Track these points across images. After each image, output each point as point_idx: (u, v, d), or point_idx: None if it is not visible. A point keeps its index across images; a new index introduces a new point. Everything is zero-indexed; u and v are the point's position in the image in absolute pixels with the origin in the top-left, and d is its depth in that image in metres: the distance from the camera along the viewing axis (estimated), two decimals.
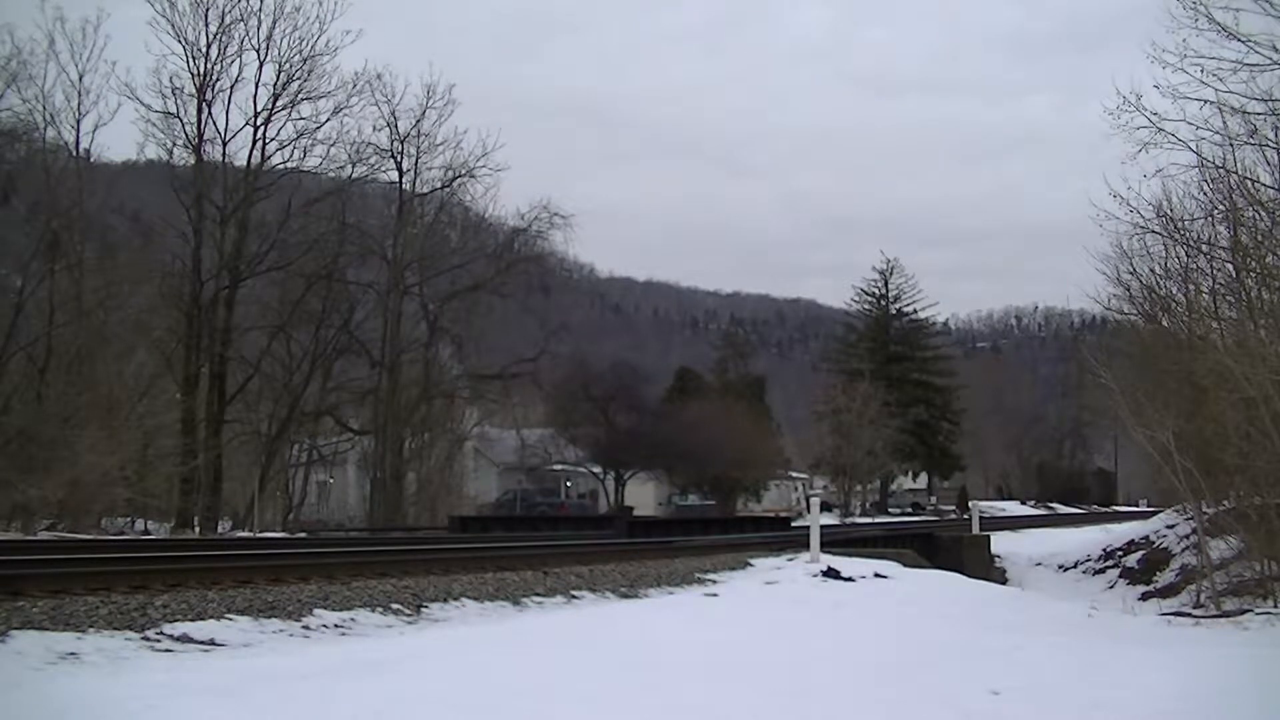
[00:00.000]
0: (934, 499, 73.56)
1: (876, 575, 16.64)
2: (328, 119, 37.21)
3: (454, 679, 7.25)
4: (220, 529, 33.23)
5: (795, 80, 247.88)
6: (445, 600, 11.18)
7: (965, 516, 46.93)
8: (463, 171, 42.08)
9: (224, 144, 36.17)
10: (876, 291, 75.59)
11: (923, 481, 77.22)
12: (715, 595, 14.08)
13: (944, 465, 75.11)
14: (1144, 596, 21.55)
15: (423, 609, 10.68)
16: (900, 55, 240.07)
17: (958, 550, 26.73)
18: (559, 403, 53.29)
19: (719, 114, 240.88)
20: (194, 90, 35.12)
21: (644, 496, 56.61)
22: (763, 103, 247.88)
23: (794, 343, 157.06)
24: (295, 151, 37.30)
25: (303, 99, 36.57)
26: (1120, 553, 27.30)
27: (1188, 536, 22.60)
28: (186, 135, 35.41)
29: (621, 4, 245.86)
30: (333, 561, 12.68)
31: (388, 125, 40.72)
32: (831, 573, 16.32)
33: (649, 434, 52.24)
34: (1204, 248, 19.81)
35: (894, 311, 75.16)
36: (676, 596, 13.89)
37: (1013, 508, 67.48)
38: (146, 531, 28.92)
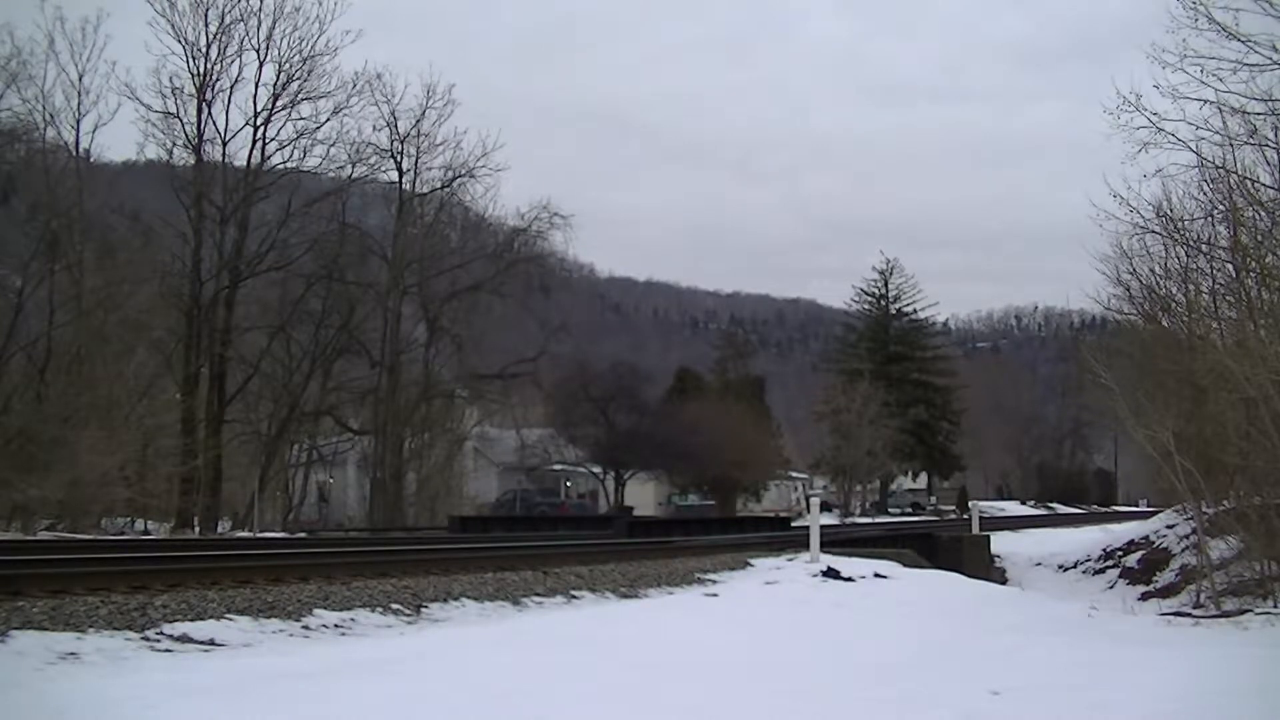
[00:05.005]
0: (934, 499, 73.55)
1: (876, 575, 16.66)
2: (328, 119, 37.35)
3: (454, 679, 7.25)
4: (220, 529, 33.24)
5: (804, 89, 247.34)
6: (445, 600, 11.17)
7: (965, 516, 46.92)
8: (462, 172, 42.20)
9: (224, 144, 36.31)
10: (876, 291, 75.71)
11: (923, 481, 77.22)
12: (715, 595, 14.09)
13: (944, 465, 75.13)
14: (1144, 596, 21.49)
15: (423, 609, 10.67)
16: (909, 65, 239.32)
17: (957, 550, 26.68)
18: (559, 403, 53.26)
19: (724, 120, 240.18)
20: (194, 90, 35.24)
21: (644, 496, 56.58)
22: (769, 110, 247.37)
23: (794, 343, 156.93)
24: (295, 151, 37.44)
25: (303, 99, 36.71)
26: (1120, 553, 27.24)
27: (1188, 536, 22.56)
28: (186, 135, 35.52)
29: (634, 14, 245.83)
30: (332, 561, 12.68)
31: (388, 125, 40.82)
32: (831, 573, 16.33)
33: (649, 434, 52.19)
34: (1204, 248, 19.83)
35: (894, 311, 75.21)
36: (676, 597, 13.89)
37: (1012, 508, 67.51)
38: (146, 531, 28.89)
